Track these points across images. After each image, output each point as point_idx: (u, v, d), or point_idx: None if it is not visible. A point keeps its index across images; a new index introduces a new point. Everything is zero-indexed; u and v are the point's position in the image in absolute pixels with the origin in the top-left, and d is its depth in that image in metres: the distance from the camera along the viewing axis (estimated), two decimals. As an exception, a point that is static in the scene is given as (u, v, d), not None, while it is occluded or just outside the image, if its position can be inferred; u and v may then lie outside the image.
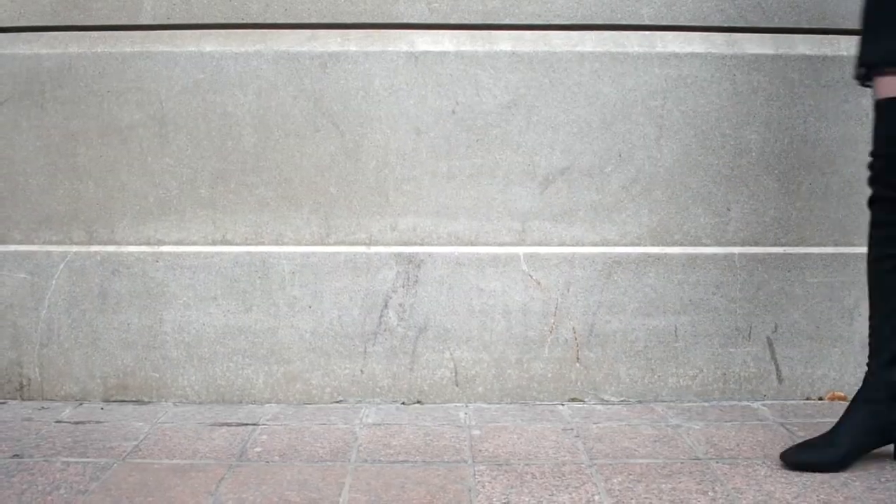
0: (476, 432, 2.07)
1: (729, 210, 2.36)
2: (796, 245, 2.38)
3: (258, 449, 1.97)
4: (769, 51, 2.32)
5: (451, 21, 2.31)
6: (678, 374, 2.34)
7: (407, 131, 2.28)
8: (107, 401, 2.33)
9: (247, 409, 2.27)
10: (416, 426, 2.09)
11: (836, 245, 2.37)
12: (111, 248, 2.31)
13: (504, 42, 2.27)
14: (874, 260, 1.86)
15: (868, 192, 1.86)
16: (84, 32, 2.32)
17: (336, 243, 2.31)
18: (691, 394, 2.35)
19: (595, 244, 2.35)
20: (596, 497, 1.71)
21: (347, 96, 2.26)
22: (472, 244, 2.33)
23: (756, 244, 2.37)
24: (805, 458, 1.87)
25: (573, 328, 2.32)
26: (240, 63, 2.28)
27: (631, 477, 1.81)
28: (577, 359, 2.33)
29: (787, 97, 2.33)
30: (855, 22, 2.34)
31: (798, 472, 1.83)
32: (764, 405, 2.31)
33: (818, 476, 1.81)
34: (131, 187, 2.32)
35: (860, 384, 1.87)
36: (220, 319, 2.30)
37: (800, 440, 2.02)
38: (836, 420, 2.18)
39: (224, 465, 1.88)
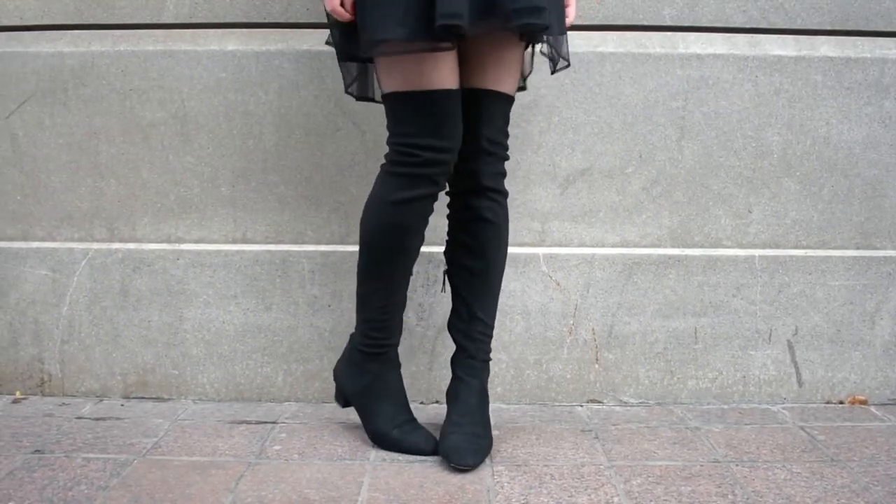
0: (495, 432, 2.07)
1: (750, 212, 2.35)
2: (818, 248, 2.36)
3: (277, 447, 1.98)
4: (791, 52, 2.31)
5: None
6: (697, 376, 2.34)
7: (427, 131, 2.28)
8: (127, 397, 2.34)
9: (266, 407, 2.27)
10: (435, 426, 2.09)
11: (857, 248, 2.36)
12: (132, 246, 2.33)
13: (525, 42, 2.27)
14: None
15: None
16: (107, 31, 2.33)
17: (356, 242, 2.31)
18: (710, 396, 2.34)
19: (615, 245, 2.35)
20: (615, 499, 1.71)
21: (368, 96, 2.27)
22: (492, 244, 2.33)
23: (777, 247, 2.36)
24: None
25: (592, 329, 2.32)
26: (262, 62, 2.29)
27: (650, 479, 1.81)
28: (596, 360, 2.32)
29: (809, 99, 2.32)
30: (879, 24, 2.34)
31: (819, 477, 1.82)
32: (784, 408, 2.30)
33: (839, 480, 1.80)
34: (153, 185, 2.33)
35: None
36: (240, 317, 2.31)
37: (820, 444, 2.01)
38: (856, 424, 2.17)
39: (243, 462, 1.88)
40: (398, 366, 2.05)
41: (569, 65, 1.99)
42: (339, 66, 1.98)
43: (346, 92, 2.02)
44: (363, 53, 1.83)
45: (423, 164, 1.83)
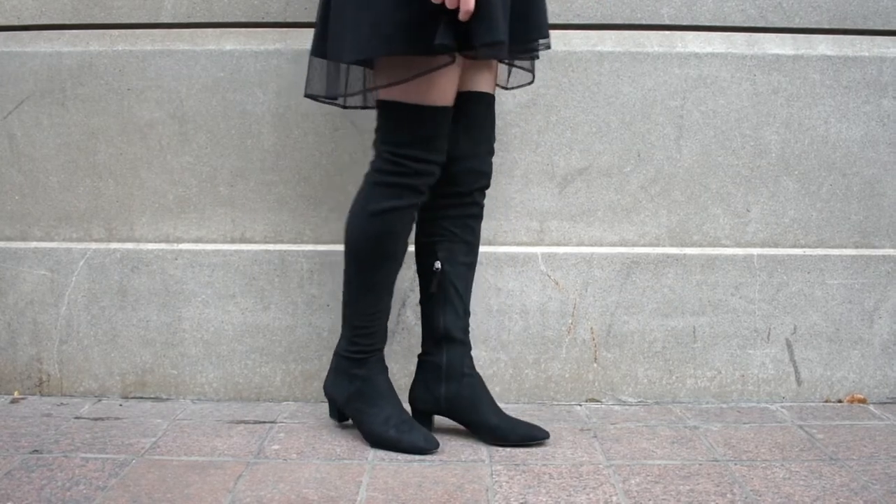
0: (493, 432, 2.07)
1: (748, 211, 2.35)
2: (816, 247, 2.36)
3: (276, 446, 1.98)
4: (790, 51, 2.31)
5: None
6: (696, 375, 2.34)
7: (425, 130, 2.28)
8: (125, 397, 2.34)
9: (264, 407, 2.27)
10: (434, 426, 2.09)
11: (856, 247, 2.36)
12: (130, 246, 2.33)
13: (523, 41, 2.27)
14: None
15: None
16: (105, 31, 2.33)
17: (354, 242, 2.31)
18: (709, 395, 2.34)
19: (613, 244, 2.35)
20: (614, 498, 1.71)
21: (366, 95, 2.27)
22: (490, 244, 2.33)
23: (776, 245, 2.36)
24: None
25: (591, 328, 2.32)
26: (260, 62, 2.28)
27: (649, 478, 1.81)
28: (595, 359, 2.32)
29: (807, 98, 2.32)
30: (877, 22, 2.34)
31: (817, 476, 1.82)
32: (783, 407, 2.30)
33: (837, 479, 1.80)
34: (151, 185, 2.33)
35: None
36: (239, 317, 2.31)
37: (819, 443, 2.01)
38: (855, 422, 2.17)
39: (242, 462, 1.88)
40: (385, 369, 2.05)
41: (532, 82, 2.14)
42: (347, 69, 1.95)
43: (343, 104, 2.06)
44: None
45: (413, 175, 1.87)
